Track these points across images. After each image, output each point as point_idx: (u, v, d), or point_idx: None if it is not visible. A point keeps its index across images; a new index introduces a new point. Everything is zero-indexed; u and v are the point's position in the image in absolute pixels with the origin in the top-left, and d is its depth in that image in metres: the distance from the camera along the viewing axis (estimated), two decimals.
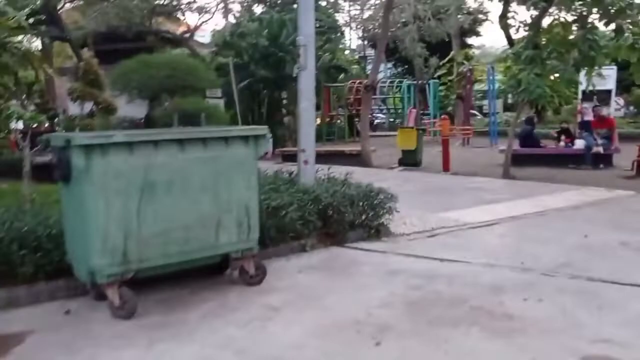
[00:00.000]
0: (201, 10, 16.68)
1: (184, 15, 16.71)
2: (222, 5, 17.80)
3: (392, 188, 8.47)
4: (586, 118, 14.07)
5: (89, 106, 9.66)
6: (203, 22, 17.49)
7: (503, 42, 17.67)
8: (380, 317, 3.63)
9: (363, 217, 5.63)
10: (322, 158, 13.59)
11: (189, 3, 16.38)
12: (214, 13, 17.44)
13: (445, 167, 11.66)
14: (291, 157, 13.69)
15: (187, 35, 16.14)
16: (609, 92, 17.85)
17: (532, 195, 7.96)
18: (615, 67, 15.54)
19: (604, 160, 12.12)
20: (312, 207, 5.33)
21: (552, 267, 4.52)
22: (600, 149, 12.11)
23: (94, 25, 15.36)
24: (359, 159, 12.87)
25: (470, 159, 14.18)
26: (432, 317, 3.63)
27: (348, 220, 5.50)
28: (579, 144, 12.51)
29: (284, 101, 18.96)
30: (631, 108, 27.18)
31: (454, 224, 6.21)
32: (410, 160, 12.70)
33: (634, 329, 3.39)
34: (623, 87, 22.79)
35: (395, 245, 5.42)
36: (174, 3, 15.49)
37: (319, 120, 23.39)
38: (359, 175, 10.38)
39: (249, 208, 4.19)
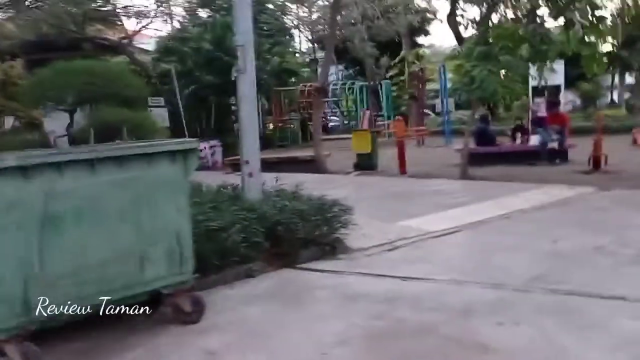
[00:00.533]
0: (139, 15, 15.81)
1: (120, 20, 15.79)
2: (162, 9, 16.93)
3: (349, 195, 8.00)
4: (539, 114, 14.01)
5: (10, 121, 8.79)
6: (142, 27, 16.59)
7: (452, 42, 17.58)
8: (338, 359, 3.10)
9: (316, 233, 5.08)
10: (274, 166, 13.06)
11: (125, 7, 15.51)
12: (153, 18, 16.54)
13: (402, 170, 11.27)
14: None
15: (126, 41, 15.24)
16: (558, 87, 18.00)
17: (493, 196, 7.60)
18: (563, 62, 15.57)
19: (559, 155, 11.99)
20: (258, 225, 4.76)
21: (526, 280, 4.09)
22: (555, 145, 11.98)
23: (23, 34, 14.33)
24: (312, 165, 12.36)
25: (426, 160, 13.88)
26: (397, 354, 3.12)
27: (300, 238, 4.95)
28: (534, 140, 12.37)
29: (233, 107, 18.26)
30: (578, 102, 27.74)
31: (415, 234, 5.75)
32: (366, 163, 12.28)
33: (624, 354, 2.97)
34: (569, 81, 23.17)
35: (353, 262, 4.90)
36: (109, 8, 14.60)
37: (271, 126, 22.88)
38: (313, 183, 9.88)
39: (181, 235, 3.59)
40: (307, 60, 35.86)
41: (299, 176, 11.41)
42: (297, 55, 32.20)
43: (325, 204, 5.34)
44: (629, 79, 27.05)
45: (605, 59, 9.89)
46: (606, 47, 14.71)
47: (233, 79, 5.45)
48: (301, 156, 13.11)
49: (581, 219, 6.13)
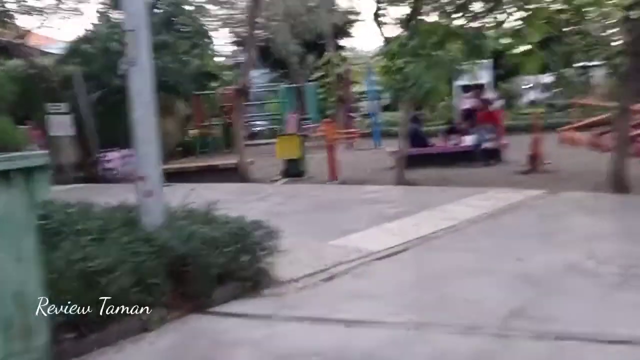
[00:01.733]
0: (35, 11, 14.03)
1: (12, 18, 13.97)
2: (63, 6, 15.16)
3: (275, 208, 6.97)
4: (465, 106, 13.60)
5: None
6: (39, 25, 14.79)
7: (373, 45, 16.97)
8: None
9: (234, 265, 4.01)
10: (192, 176, 11.80)
11: (19, 2, 13.70)
12: (51, 15, 14.78)
13: (333, 176, 10.38)
14: (175, 175, 11.72)
15: (19, 41, 13.45)
16: (482, 86, 17.80)
17: (435, 204, 6.82)
18: (492, 60, 15.31)
19: (493, 155, 11.53)
20: (156, 261, 3.65)
21: (503, 318, 3.22)
22: (489, 144, 11.52)
23: None
24: (235, 174, 11.23)
25: (357, 164, 13.08)
26: None
27: (212, 274, 3.87)
28: (468, 140, 11.86)
29: None
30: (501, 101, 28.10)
31: (355, 256, 4.80)
32: (293, 170, 11.29)
33: None
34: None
35: (282, 301, 3.87)
36: None
37: (196, 131, 21.43)
38: (234, 195, 8.77)
39: (25, 296, 2.44)
40: (230, 63, 34.49)
41: (220, 187, 10.29)
42: (218, 58, 30.83)
43: (245, 227, 4.28)
44: (547, 79, 27.69)
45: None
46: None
47: (120, 72, 4.29)
48: (223, 164, 11.94)
49: (540, 228, 5.44)
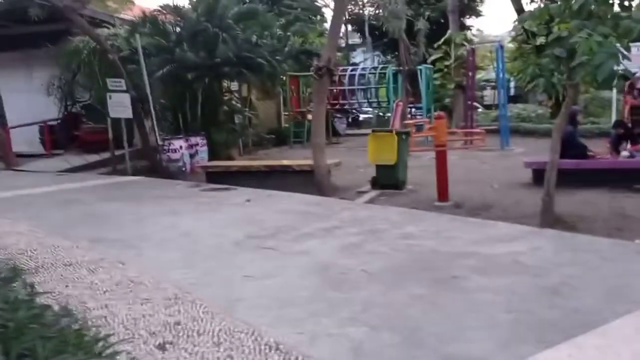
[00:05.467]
0: None
1: None
2: None
3: (335, 261, 4.15)
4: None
5: None
6: None
7: (497, 31, 13.17)
8: None
9: None
10: (261, 177, 9.19)
11: None
12: None
13: (443, 196, 7.25)
14: (220, 176, 9.30)
15: (75, 5, 11.53)
16: None
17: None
18: None
19: None
20: None
21: None
22: None
23: None
24: (310, 179, 8.42)
25: (478, 173, 9.76)
26: None
27: None
28: None
29: (226, 95, 14.48)
30: None
31: None
32: (387, 179, 8.30)
33: None
34: None
35: None
36: None
37: (291, 117, 18.99)
38: (294, 216, 6.01)
39: None
40: (341, 45, 31.65)
41: (284, 199, 7.58)
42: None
43: None
44: None
45: None
46: None
47: None
48: (298, 165, 9.18)
49: None
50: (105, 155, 12.20)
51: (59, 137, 14.94)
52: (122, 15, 16.00)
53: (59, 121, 15.36)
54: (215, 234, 5.49)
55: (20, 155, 13.94)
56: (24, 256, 4.67)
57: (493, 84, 22.99)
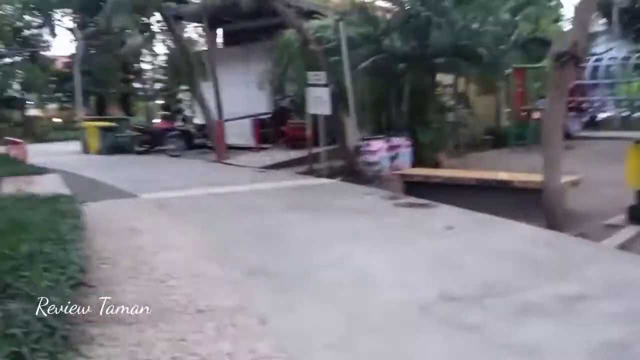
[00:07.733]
0: None
1: None
2: None
3: None
4: None
5: None
6: None
7: None
8: None
9: None
10: (470, 193, 7.37)
11: None
12: None
13: None
14: (421, 188, 7.80)
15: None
16: None
17: None
18: None
19: None
20: None
21: None
22: None
23: None
24: (536, 200, 6.31)
25: None
26: None
27: None
28: None
29: (438, 89, 12.71)
30: None
31: None
32: None
33: None
34: None
35: None
36: None
37: (514, 116, 16.52)
38: (502, 267, 4.13)
39: None
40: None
41: (497, 229, 5.69)
42: (561, 22, 24.46)
43: None
44: None
45: None
46: None
47: None
48: (517, 181, 7.14)
49: None
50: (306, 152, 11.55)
51: (268, 131, 14.91)
52: (334, 5, 15.33)
53: (269, 115, 15.35)
54: (395, 283, 3.97)
55: (234, 147, 14.16)
56: (163, 285, 3.85)
57: None
